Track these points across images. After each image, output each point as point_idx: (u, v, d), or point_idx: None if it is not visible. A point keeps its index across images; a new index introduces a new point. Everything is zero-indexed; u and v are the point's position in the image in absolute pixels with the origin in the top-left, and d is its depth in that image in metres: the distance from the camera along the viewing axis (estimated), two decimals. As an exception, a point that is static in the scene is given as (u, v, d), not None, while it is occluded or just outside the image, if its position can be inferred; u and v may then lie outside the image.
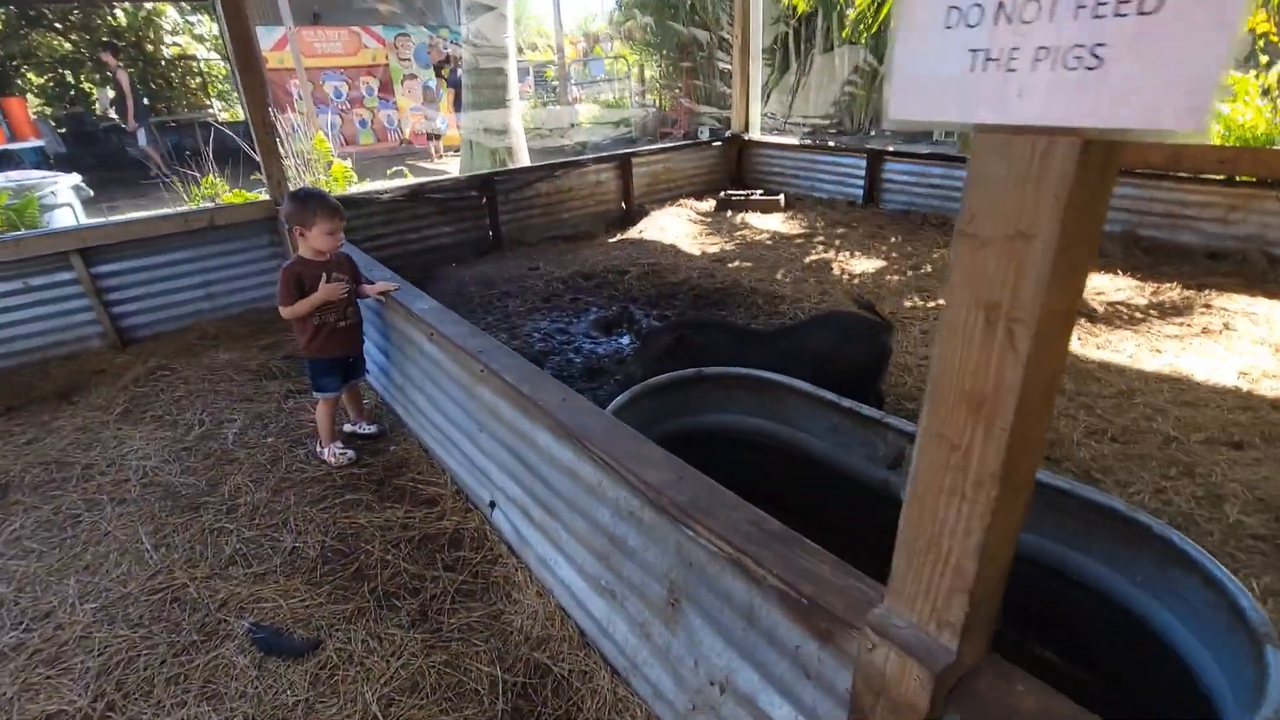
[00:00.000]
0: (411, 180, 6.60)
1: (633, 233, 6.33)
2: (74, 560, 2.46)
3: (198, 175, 5.89)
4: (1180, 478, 2.45)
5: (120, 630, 2.13)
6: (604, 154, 6.81)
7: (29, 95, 15.13)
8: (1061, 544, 1.78)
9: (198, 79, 18.70)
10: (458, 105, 11.15)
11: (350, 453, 2.96)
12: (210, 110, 18.06)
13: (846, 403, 2.13)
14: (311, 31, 13.55)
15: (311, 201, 2.66)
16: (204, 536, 2.55)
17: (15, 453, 3.16)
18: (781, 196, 6.76)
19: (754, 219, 6.50)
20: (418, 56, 14.36)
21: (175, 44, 17.85)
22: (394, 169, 8.73)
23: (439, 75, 13.28)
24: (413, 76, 14.51)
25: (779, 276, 4.88)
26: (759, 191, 7.04)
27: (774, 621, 1.27)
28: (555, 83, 18.03)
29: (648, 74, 14.54)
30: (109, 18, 16.16)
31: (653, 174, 7.06)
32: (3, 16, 14.51)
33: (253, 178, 6.48)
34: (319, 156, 6.25)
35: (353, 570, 2.34)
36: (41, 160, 11.46)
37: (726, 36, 10.04)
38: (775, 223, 6.35)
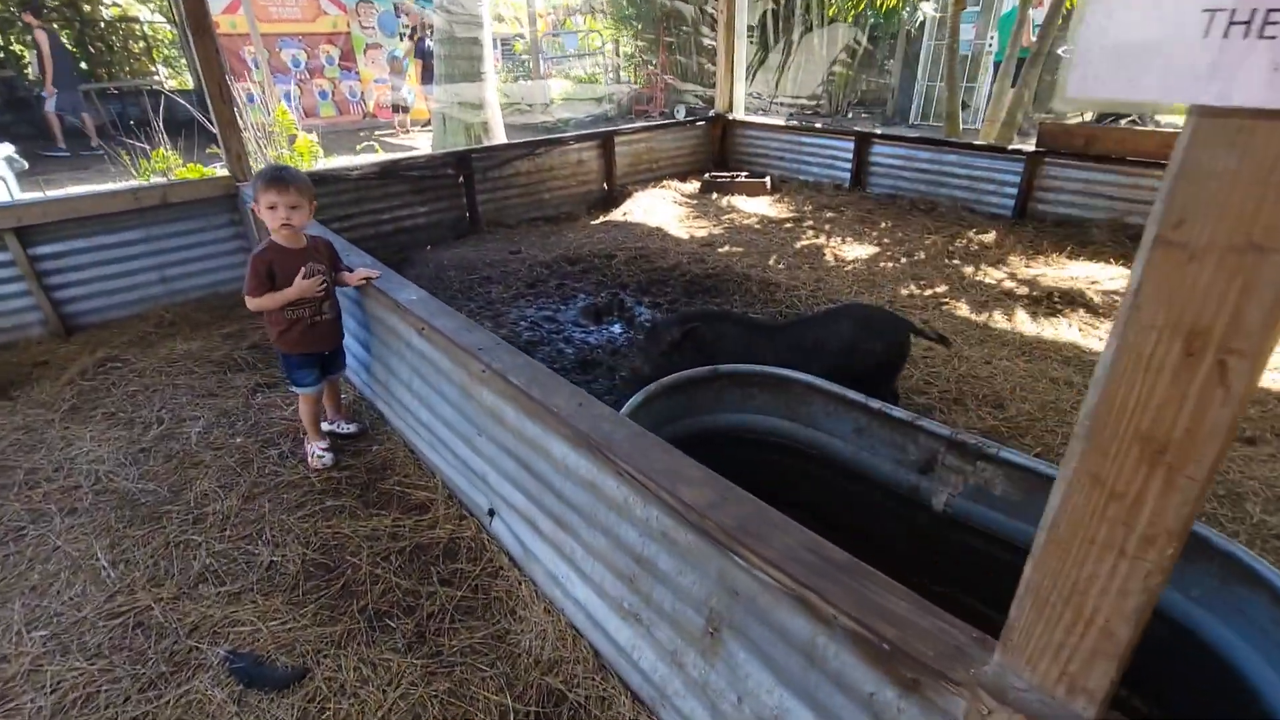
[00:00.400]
0: (383, 156, 6.25)
1: (617, 215, 6.11)
2: (19, 581, 2.20)
3: (146, 148, 5.44)
4: (1199, 476, 2.40)
5: (76, 662, 1.90)
6: (585, 132, 6.55)
7: (-48, 57, 14.03)
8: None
9: (141, 43, 17.56)
10: (427, 77, 10.65)
11: (329, 456, 2.73)
12: (156, 77, 17.02)
13: (875, 403, 2.01)
14: (267, -5, 12.78)
15: (259, 176, 2.41)
16: (168, 550, 2.32)
17: (-53, 456, 2.85)
18: (768, 179, 6.61)
19: (740, 201, 6.34)
20: (382, 24, 13.70)
21: (115, 4, 16.70)
22: (363, 144, 8.30)
23: (412, 40, 12.62)
24: (376, 46, 13.85)
25: (771, 262, 4.75)
26: (744, 173, 6.88)
27: (843, 664, 1.14)
28: (525, 57, 17.47)
29: (623, 49, 14.16)
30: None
31: (635, 153, 6.83)
32: (-80, -31, 13.36)
33: (208, 151, 6.06)
34: (281, 129, 5.85)
35: (339, 587, 2.15)
36: (-32, 128, 10.62)
37: (711, 11, 9.78)
38: (762, 206, 6.21)
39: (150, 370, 3.54)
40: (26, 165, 6.42)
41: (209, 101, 4.14)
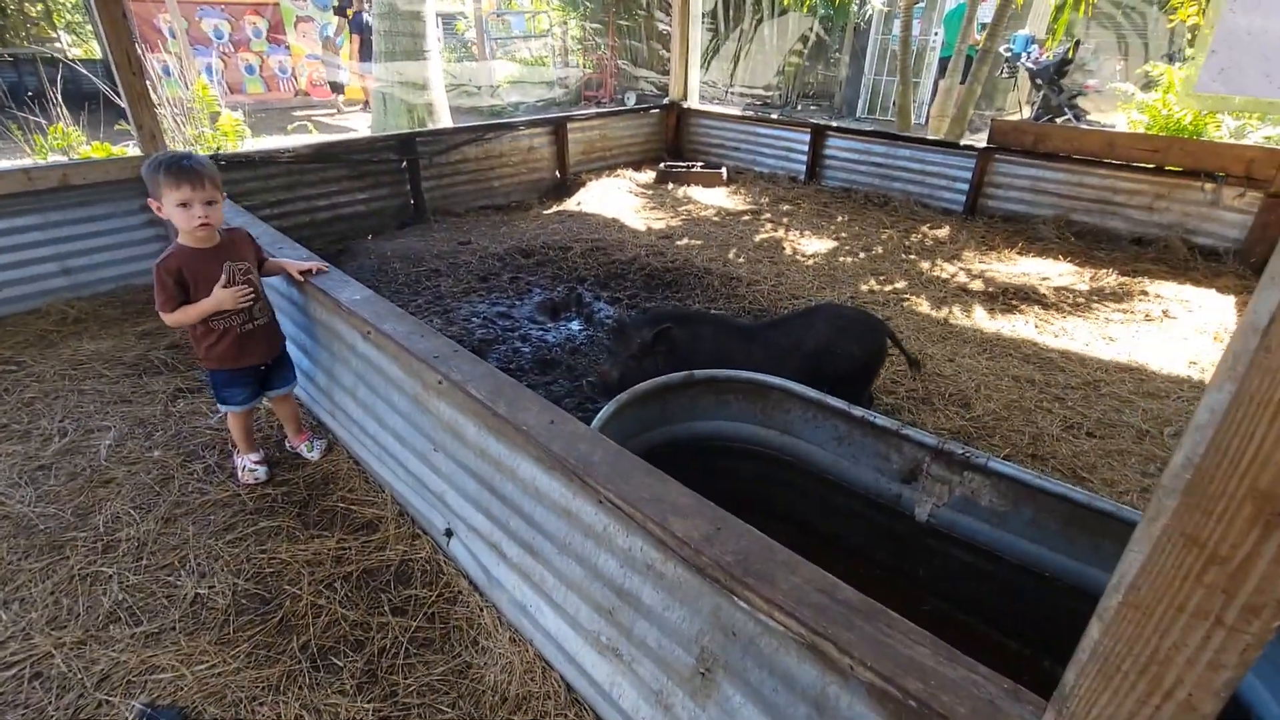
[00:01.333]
0: (318, 138, 5.83)
1: (570, 204, 5.90)
2: (-114, 629, 1.89)
3: (43, 122, 4.87)
4: (1160, 474, 2.43)
5: (-43, 727, 1.63)
6: (537, 117, 6.29)
7: None
8: (1095, 566, 1.66)
9: (39, 6, 16.05)
10: (365, 54, 10.08)
11: (262, 470, 2.47)
12: (56, 44, 15.61)
13: (858, 411, 1.93)
14: (184, -41, 11.82)
15: (155, 166, 1.99)
16: (72, 585, 2.03)
17: None
18: (724, 170, 6.52)
19: (697, 193, 6.23)
20: (314, -4, 12.90)
21: (9, -36, 15.19)
22: (295, 125, 7.77)
23: (343, 16, 11.91)
24: (308, 19, 13.05)
25: (731, 256, 4.66)
26: (700, 163, 6.76)
27: (857, 715, 1.03)
28: (469, 36, 16.84)
29: (572, 33, 13.79)
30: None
31: (588, 141, 6.62)
32: None
33: (116, 128, 5.51)
34: (202, 105, 5.36)
35: (276, 621, 1.92)
36: None
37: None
38: (719, 197, 6.12)
39: (51, 374, 3.16)
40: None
41: (116, 72, 3.72)
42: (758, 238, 5.05)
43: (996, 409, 2.83)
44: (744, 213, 5.65)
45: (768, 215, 5.58)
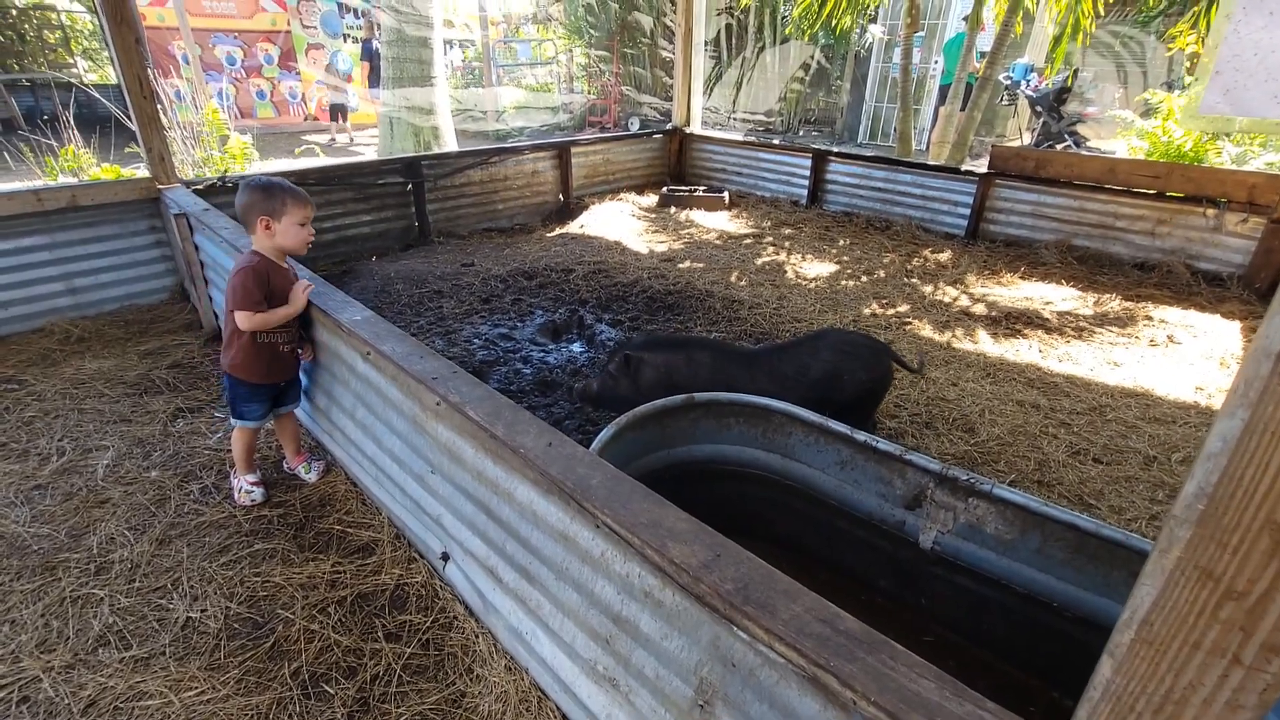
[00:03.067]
0: (325, 161, 5.90)
1: (573, 227, 5.94)
2: (-128, 652, 1.86)
3: (54, 145, 4.95)
4: (1169, 501, 2.40)
5: (-62, 755, 1.59)
6: (541, 141, 6.37)
7: None
8: (1103, 595, 1.62)
9: (58, 33, 16.40)
10: (374, 80, 10.26)
11: (259, 492, 2.45)
12: (73, 69, 15.93)
13: (861, 436, 1.90)
14: (201, -12, 12.12)
15: (277, 188, 2.18)
16: (63, 608, 2.00)
17: None
18: (726, 194, 6.57)
19: (699, 216, 6.26)
20: (325, 24, 13.18)
21: (28, -8, 15.58)
22: (303, 148, 7.87)
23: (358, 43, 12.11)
24: (319, 46, 13.32)
25: (733, 279, 4.67)
26: (702, 188, 6.82)
27: (861, 753, 1.00)
28: (476, 63, 17.14)
29: (578, 60, 14.02)
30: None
31: (591, 165, 6.69)
32: None
33: (127, 150, 5.59)
34: (212, 129, 5.44)
35: (268, 647, 1.89)
36: None
37: (670, 23, 9.76)
38: (721, 221, 6.15)
39: (52, 393, 3.16)
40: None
41: (128, 96, 3.79)
42: (759, 261, 5.06)
43: (1001, 434, 2.80)
44: (746, 236, 5.67)
45: (770, 239, 5.60)
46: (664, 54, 11.03)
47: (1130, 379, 3.26)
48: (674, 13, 6.82)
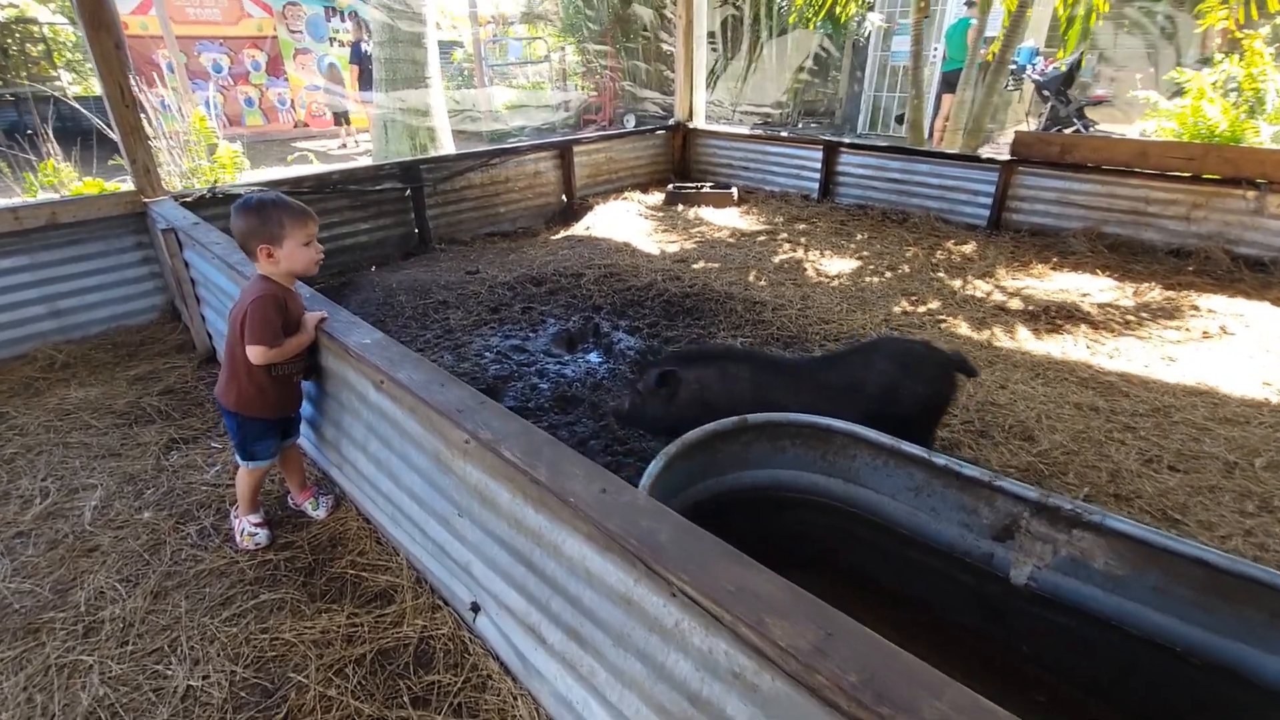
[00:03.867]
0: (319, 167, 5.67)
1: (579, 229, 5.72)
2: None
3: (33, 159, 4.70)
4: (1260, 513, 2.20)
5: None
6: (542, 141, 6.15)
7: None
8: (1238, 640, 1.42)
9: (40, 46, 16.10)
10: (365, 83, 10.00)
11: (263, 534, 2.24)
12: (57, 82, 15.63)
13: (941, 459, 1.69)
14: (183, -6, 11.84)
15: (272, 209, 1.93)
16: (48, 678, 1.79)
17: None
18: (734, 190, 6.35)
19: (708, 214, 6.05)
20: (311, 28, 12.92)
21: (12, 4, 15.29)
22: (294, 155, 7.63)
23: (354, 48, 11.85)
24: (306, 51, 13.05)
25: (752, 279, 4.46)
26: (709, 184, 6.60)
27: None
28: (465, 64, 16.86)
29: (572, 56, 13.76)
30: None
31: (594, 164, 6.47)
32: None
33: (110, 163, 5.35)
34: (200, 138, 5.20)
35: (280, 718, 1.67)
36: None
37: (670, 16, 9.53)
38: (731, 218, 5.94)
39: (35, 426, 2.93)
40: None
41: (109, 105, 3.55)
42: (776, 259, 4.85)
43: (1063, 441, 2.60)
44: (759, 233, 5.46)
45: (784, 235, 5.39)
46: (665, 47, 10.77)
47: (1190, 375, 3.06)
48: (674, 5, 6.60)
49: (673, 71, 7.33)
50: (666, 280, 4.38)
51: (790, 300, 4.05)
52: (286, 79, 12.92)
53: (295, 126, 13.21)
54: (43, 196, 4.58)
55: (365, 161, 7.47)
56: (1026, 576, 1.64)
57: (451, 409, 1.57)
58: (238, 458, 2.19)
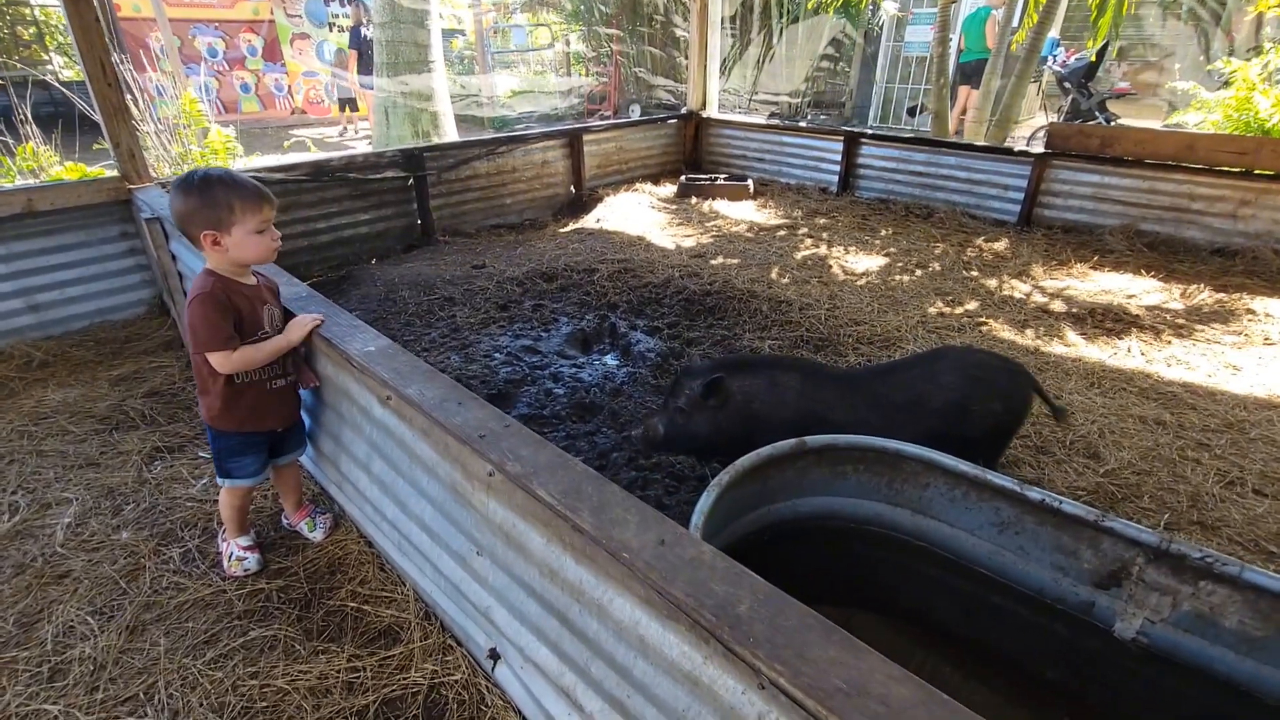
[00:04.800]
0: (316, 154, 5.41)
1: (589, 221, 5.47)
2: None
3: (9, 142, 4.43)
4: (1367, 546, 1.98)
5: None
6: (550, 129, 5.89)
7: None
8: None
9: (32, 29, 15.74)
10: (364, 69, 9.70)
11: (253, 559, 2.01)
12: (49, 66, 15.30)
13: (1036, 493, 1.47)
14: (177, -24, 11.50)
15: (219, 188, 1.66)
16: (2, 735, 1.56)
17: None
18: (750, 182, 6.10)
19: (723, 207, 5.80)
20: (310, 13, 12.58)
21: (-5, -16, 14.91)
22: (291, 141, 7.35)
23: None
24: (304, 36, 12.72)
25: (774, 276, 4.22)
26: (724, 176, 6.35)
27: None
28: (467, 52, 16.53)
29: (578, 42, 13.43)
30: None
31: (604, 154, 6.21)
32: None
33: (95, 147, 5.08)
34: (190, 122, 4.93)
35: (270, 787, 1.45)
36: None
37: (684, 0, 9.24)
38: (748, 211, 5.69)
39: (8, 432, 2.70)
40: None
41: (89, 84, 3.30)
42: (799, 255, 4.61)
43: (1132, 459, 2.37)
44: (778, 228, 5.22)
45: (804, 230, 5.15)
46: (678, 33, 10.44)
47: (1259, 386, 2.84)
48: (689, -13, 6.32)
49: (685, 58, 7.05)
50: (685, 277, 4.14)
51: (817, 299, 3.81)
52: (284, 65, 12.59)
53: (293, 113, 12.89)
54: (19, 183, 4.31)
55: (365, 148, 7.20)
56: (1135, 630, 1.42)
57: (472, 434, 1.34)
58: (216, 475, 1.96)
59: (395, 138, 6.95)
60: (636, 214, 5.61)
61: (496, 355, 3.25)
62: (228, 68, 12.22)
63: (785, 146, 6.35)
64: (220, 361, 1.70)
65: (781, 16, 10.61)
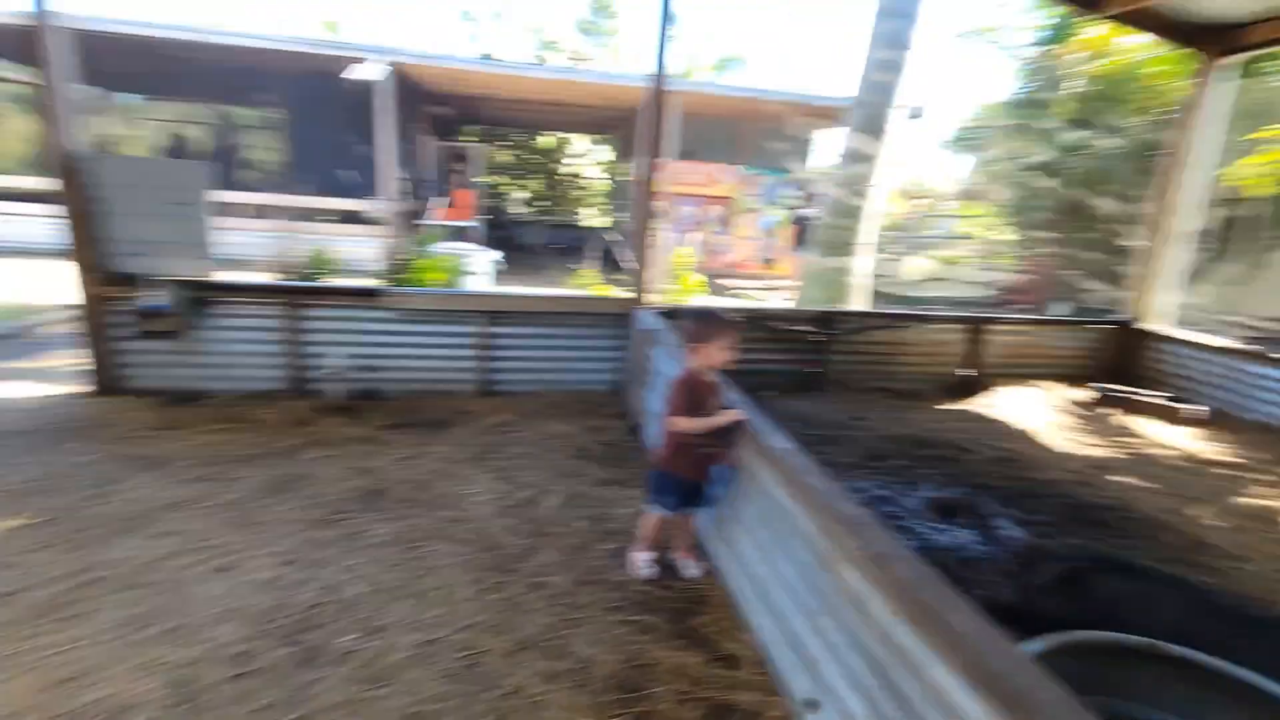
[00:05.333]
0: (753, 304, 6.81)
1: (977, 405, 5.52)
2: (412, 583, 2.65)
3: (572, 266, 6.90)
4: None
5: (429, 681, 2.14)
6: (953, 313, 6.22)
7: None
8: None
9: (579, 192, 23.34)
10: (798, 240, 11.60)
11: (654, 570, 2.80)
12: (577, 217, 22.40)
13: None
14: (683, 165, 15.66)
15: (708, 321, 2.70)
16: (509, 605, 2.56)
17: (395, 465, 3.69)
18: (1191, 406, 5.30)
19: (1146, 426, 5.17)
20: (767, 193, 15.58)
21: (570, 165, 22.61)
22: (729, 291, 9.22)
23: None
24: (754, 210, 15.73)
25: (1196, 512, 3.66)
26: (1158, 394, 5.65)
27: None
28: (892, 232, 17.93)
29: (1000, 238, 13.49)
30: (534, 140, 21.73)
31: (1005, 344, 6.19)
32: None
33: (612, 277, 7.40)
34: (677, 268, 6.85)
35: (636, 712, 2.08)
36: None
37: (1135, 210, 8.76)
38: (1178, 438, 4.96)
39: (531, 440, 4.19)
40: (506, 268, 8.66)
41: (633, 237, 5.05)
42: (1242, 499, 3.87)
43: None
44: (1221, 464, 4.43)
45: (1256, 472, 4.27)
46: (1118, 242, 9.76)
47: None
48: (1149, 199, 6.10)
49: (1123, 266, 6.64)
50: (1075, 483, 3.92)
51: (1253, 550, 3.20)
52: (729, 230, 15.74)
53: (726, 267, 15.85)
54: (574, 292, 6.60)
55: (782, 303, 8.61)
56: None
57: (849, 519, 1.84)
58: (647, 501, 2.82)
59: (810, 299, 8.16)
60: (1032, 409, 5.42)
61: (855, 495, 3.65)
62: (693, 228, 15.85)
63: (1244, 375, 5.36)
64: (675, 422, 2.59)
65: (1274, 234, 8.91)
